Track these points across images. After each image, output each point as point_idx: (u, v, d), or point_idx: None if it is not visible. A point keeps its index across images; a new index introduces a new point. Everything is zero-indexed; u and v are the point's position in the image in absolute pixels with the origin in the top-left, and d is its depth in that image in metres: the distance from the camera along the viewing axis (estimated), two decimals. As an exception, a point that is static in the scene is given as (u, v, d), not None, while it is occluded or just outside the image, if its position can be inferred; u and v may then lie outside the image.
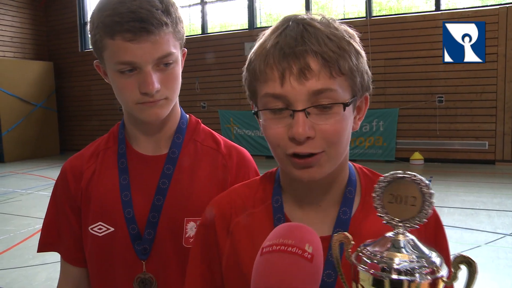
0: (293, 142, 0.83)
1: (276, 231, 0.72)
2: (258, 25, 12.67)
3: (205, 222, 1.03)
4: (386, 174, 0.66)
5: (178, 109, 1.31)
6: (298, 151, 0.84)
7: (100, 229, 1.23)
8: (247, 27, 12.69)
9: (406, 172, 0.65)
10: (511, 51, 9.62)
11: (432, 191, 0.63)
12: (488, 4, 10.39)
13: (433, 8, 10.69)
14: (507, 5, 9.91)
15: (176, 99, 1.23)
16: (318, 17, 0.89)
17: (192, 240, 1.20)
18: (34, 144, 14.04)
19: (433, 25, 10.25)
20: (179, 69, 1.20)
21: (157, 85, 1.11)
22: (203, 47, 12.82)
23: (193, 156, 1.28)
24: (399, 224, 0.64)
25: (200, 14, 13.37)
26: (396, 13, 11.28)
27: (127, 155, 1.27)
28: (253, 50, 0.92)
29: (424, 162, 10.33)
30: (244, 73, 0.94)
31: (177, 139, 1.28)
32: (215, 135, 1.34)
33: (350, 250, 0.68)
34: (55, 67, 14.86)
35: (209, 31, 13.34)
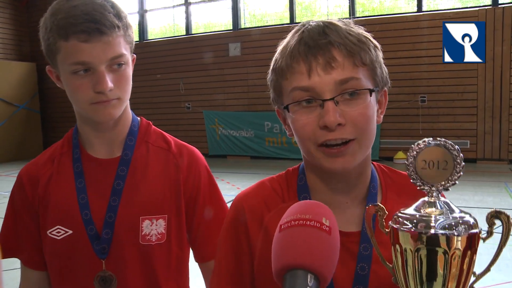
0: (325, 130, 0.87)
1: (291, 209, 0.75)
2: (242, 26, 12.68)
3: (234, 217, 1.03)
4: (418, 142, 0.69)
5: (130, 112, 1.35)
6: (330, 138, 0.87)
7: (58, 232, 1.26)
8: (231, 28, 12.70)
9: (436, 138, 0.69)
10: (491, 52, 9.80)
11: (461, 154, 0.68)
12: (468, 6, 10.57)
13: (415, 9, 10.84)
14: (486, 7, 10.10)
15: (127, 101, 1.28)
16: (335, 20, 0.95)
17: (148, 237, 1.25)
18: (17, 145, 13.83)
19: (415, 26, 10.41)
20: (130, 71, 1.25)
21: (110, 84, 1.16)
22: (187, 48, 12.80)
23: (146, 157, 1.32)
24: (433, 188, 0.68)
25: (184, 15, 13.35)
26: (379, 14, 11.40)
27: (82, 159, 1.30)
28: (277, 52, 0.96)
29: (407, 161, 10.43)
30: (269, 76, 0.98)
31: (129, 142, 1.32)
32: (166, 136, 1.39)
33: (384, 220, 0.72)
34: (37, 68, 14.65)
35: (193, 32, 13.32)
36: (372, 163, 1.03)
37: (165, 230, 1.27)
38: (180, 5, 13.39)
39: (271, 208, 1.00)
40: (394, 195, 0.99)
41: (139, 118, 1.39)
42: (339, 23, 0.93)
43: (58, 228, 1.26)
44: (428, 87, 10.45)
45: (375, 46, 0.95)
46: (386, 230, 0.70)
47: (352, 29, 0.93)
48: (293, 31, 0.95)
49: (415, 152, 0.69)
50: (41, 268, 1.33)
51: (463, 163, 0.67)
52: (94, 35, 1.13)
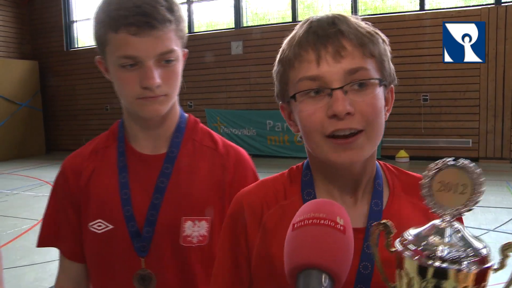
0: (334, 119, 0.84)
1: (305, 207, 0.72)
2: (245, 24, 12.66)
3: (233, 213, 1.02)
4: (436, 161, 0.64)
5: (177, 108, 1.32)
6: (339, 127, 0.84)
7: (99, 226, 1.24)
8: (233, 26, 12.68)
9: (457, 159, 0.63)
10: (493, 51, 9.77)
11: (483, 178, 0.61)
12: (471, 5, 10.54)
13: (418, 8, 10.81)
14: (489, 6, 10.07)
15: (175, 98, 1.25)
16: (344, 13, 0.94)
17: (189, 238, 1.22)
18: (19, 144, 13.84)
19: (418, 24, 10.38)
20: (180, 67, 1.21)
21: (158, 80, 1.13)
22: (189, 46, 12.43)
23: (192, 156, 1.28)
24: (446, 212, 0.63)
25: (186, 13, 13.34)
26: (382, 12, 11.38)
27: (126, 153, 1.28)
28: (284, 44, 0.95)
29: (409, 160, 10.44)
30: (275, 68, 0.96)
31: (176, 139, 1.28)
32: (213, 135, 1.35)
33: (391, 238, 0.68)
34: (39, 66, 14.64)
35: (195, 30, 13.30)
36: (378, 161, 1.01)
37: (208, 232, 1.23)
38: (182, 3, 13.32)
39: (271, 206, 0.98)
40: (401, 192, 0.98)
41: (187, 115, 1.36)
42: (349, 16, 0.92)
43: (99, 222, 1.24)
44: (431, 86, 10.43)
45: (384, 41, 0.94)
46: (392, 249, 0.66)
47: (360, 22, 0.92)
48: (300, 23, 0.94)
49: (432, 172, 0.64)
50: (81, 260, 1.31)
51: (484, 188, 0.61)
52: (144, 29, 1.10)
